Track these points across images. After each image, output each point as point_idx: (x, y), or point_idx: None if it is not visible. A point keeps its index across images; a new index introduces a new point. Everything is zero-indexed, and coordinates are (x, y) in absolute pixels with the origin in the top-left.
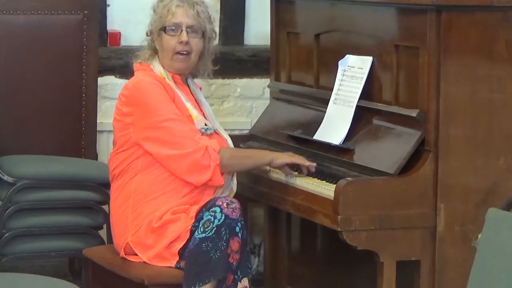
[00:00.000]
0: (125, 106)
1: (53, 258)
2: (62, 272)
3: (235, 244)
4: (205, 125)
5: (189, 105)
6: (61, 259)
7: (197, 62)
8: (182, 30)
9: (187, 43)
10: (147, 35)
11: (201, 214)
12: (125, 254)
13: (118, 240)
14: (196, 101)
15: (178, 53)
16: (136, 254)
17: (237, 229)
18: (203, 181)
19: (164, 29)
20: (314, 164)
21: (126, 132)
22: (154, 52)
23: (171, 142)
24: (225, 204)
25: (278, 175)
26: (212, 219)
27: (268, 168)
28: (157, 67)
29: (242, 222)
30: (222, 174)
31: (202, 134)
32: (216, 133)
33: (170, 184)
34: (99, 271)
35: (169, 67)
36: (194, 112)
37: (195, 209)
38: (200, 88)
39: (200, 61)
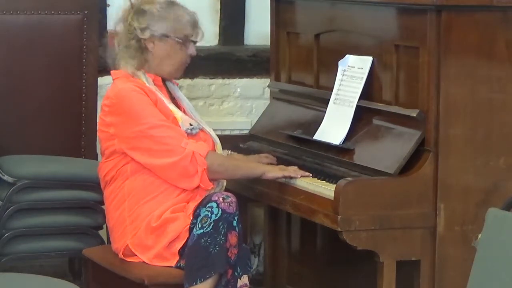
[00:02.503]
0: (108, 116)
1: (53, 258)
2: (62, 272)
3: (233, 238)
4: (190, 125)
5: (172, 107)
6: (61, 259)
7: None
8: (191, 42)
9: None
10: (139, 36)
11: (198, 211)
12: (124, 257)
13: (117, 243)
14: (175, 100)
15: (185, 63)
16: (135, 256)
17: (234, 223)
18: (193, 186)
19: (184, 40)
20: (308, 174)
21: (111, 143)
22: (140, 56)
23: (158, 151)
24: (221, 199)
25: None
26: (209, 215)
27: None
28: (132, 70)
29: (238, 216)
30: (211, 179)
31: (188, 134)
32: (202, 130)
33: (163, 184)
34: (99, 271)
35: (168, 75)
36: (178, 113)
37: (192, 206)
38: (177, 85)
39: None
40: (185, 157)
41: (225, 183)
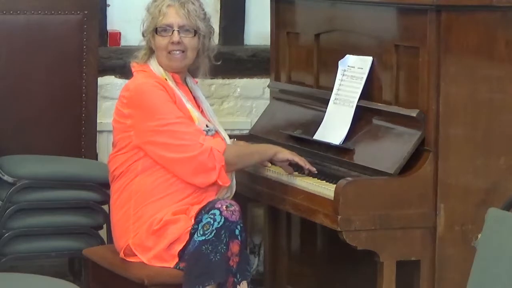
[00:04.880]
0: (126, 107)
1: (53, 258)
2: (62, 272)
3: (235, 247)
4: (206, 126)
5: (190, 107)
6: (61, 259)
7: (194, 59)
8: (173, 30)
9: (179, 43)
10: (143, 35)
11: (200, 217)
12: (124, 256)
13: (119, 241)
14: (195, 99)
15: (171, 52)
16: (136, 255)
17: (237, 231)
18: (209, 182)
19: (155, 30)
20: (314, 169)
21: (127, 135)
22: (151, 51)
23: (175, 146)
24: (224, 207)
25: (277, 175)
26: (212, 222)
27: (269, 164)
28: (156, 68)
29: (242, 225)
30: (227, 173)
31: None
32: (217, 133)
33: (172, 186)
34: (99, 271)
35: (167, 66)
36: (195, 113)
37: (195, 208)
38: (196, 82)
39: (198, 58)
40: (203, 152)
41: (234, 190)
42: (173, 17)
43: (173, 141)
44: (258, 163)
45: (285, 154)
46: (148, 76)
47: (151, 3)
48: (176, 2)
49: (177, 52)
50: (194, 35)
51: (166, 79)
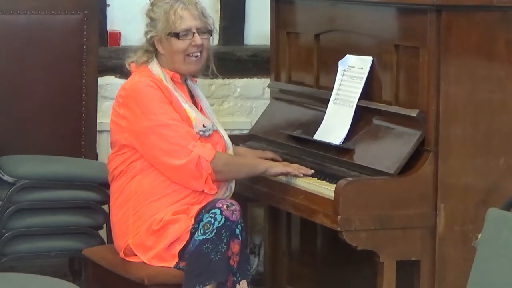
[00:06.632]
0: (121, 107)
1: (53, 258)
2: (62, 272)
3: (235, 246)
4: (204, 126)
5: (187, 107)
6: (61, 259)
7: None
8: (194, 33)
9: (201, 44)
10: (147, 40)
11: (200, 216)
12: (124, 256)
13: (119, 241)
14: (194, 98)
15: (189, 55)
16: (136, 255)
17: (237, 231)
18: (198, 189)
19: (176, 35)
20: (310, 172)
21: (122, 137)
22: (151, 55)
23: (165, 151)
24: (225, 206)
25: None
26: (212, 221)
27: None
28: (155, 68)
29: (242, 224)
30: (215, 181)
31: (201, 136)
32: (216, 132)
33: (171, 186)
34: (99, 271)
35: (182, 70)
36: (192, 113)
37: (195, 208)
38: (195, 81)
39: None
40: (190, 161)
41: (233, 188)
42: (190, 19)
43: (162, 145)
44: (248, 177)
45: (277, 168)
46: (144, 75)
47: (154, 8)
48: (189, 4)
49: (197, 53)
50: (210, 35)
51: (162, 80)
